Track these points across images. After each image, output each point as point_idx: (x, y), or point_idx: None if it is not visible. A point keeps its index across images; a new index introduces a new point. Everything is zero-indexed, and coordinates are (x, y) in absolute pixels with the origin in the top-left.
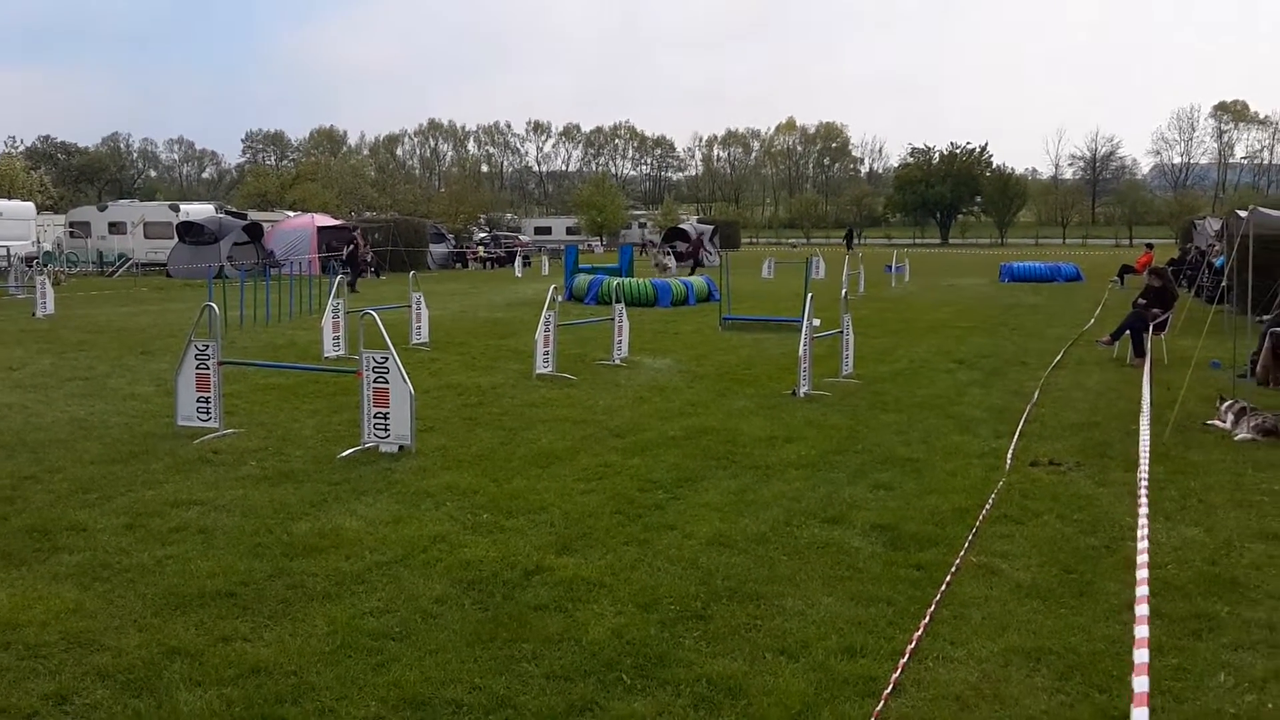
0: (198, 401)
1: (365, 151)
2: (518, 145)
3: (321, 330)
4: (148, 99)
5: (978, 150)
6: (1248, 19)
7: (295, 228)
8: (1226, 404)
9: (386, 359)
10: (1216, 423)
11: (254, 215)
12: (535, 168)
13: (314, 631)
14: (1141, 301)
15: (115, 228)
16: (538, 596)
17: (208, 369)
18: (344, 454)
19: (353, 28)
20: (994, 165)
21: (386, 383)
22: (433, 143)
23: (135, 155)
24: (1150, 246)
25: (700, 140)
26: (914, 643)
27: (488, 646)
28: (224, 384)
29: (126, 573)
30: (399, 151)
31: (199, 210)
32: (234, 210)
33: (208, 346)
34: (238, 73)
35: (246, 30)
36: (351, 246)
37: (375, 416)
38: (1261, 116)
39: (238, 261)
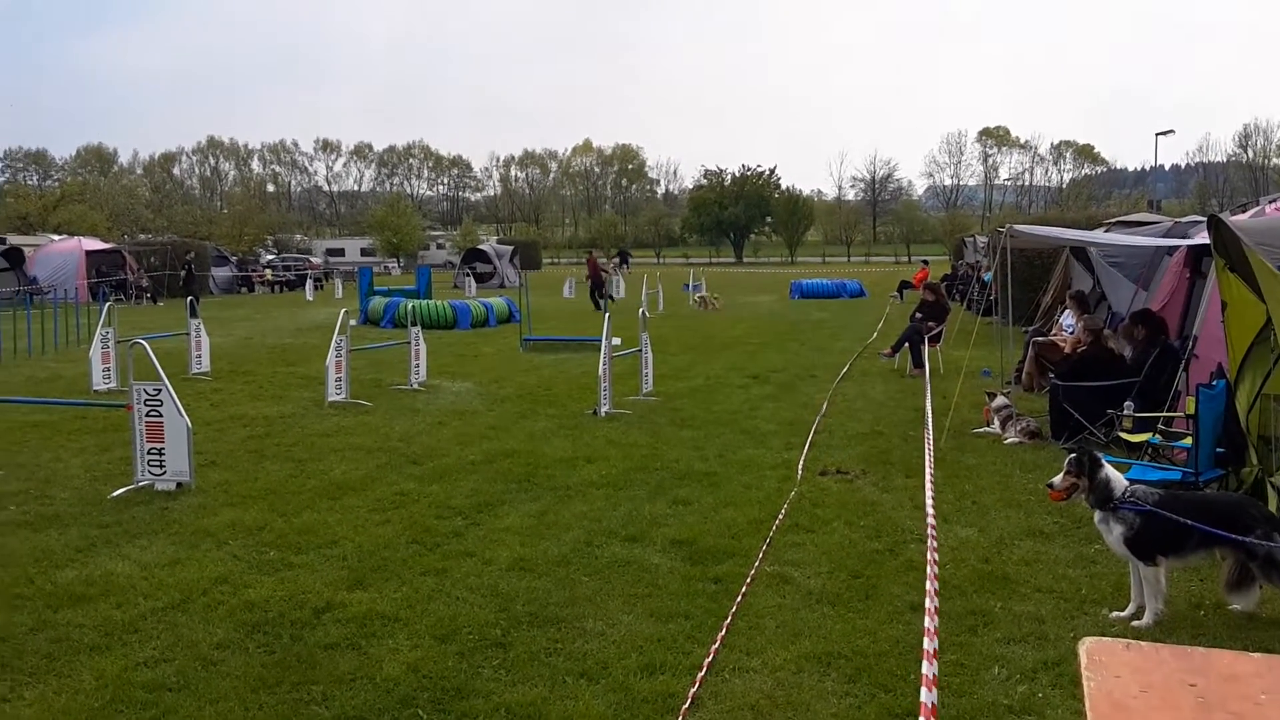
0: None
1: (139, 171)
2: (305, 164)
3: (90, 362)
4: None
5: (767, 172)
6: (1010, 49)
7: (61, 252)
8: (995, 402)
9: (159, 390)
10: (988, 429)
11: (13, 240)
12: (325, 187)
13: (81, 687)
14: (918, 315)
15: None
16: (328, 635)
17: None
18: (115, 494)
19: (123, 40)
20: (783, 187)
21: (161, 415)
22: (213, 161)
23: None
24: (926, 263)
25: (498, 160)
26: (711, 655)
27: (274, 691)
28: None
29: None
30: (176, 171)
31: None
32: None
33: None
34: None
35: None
36: (186, 270)
37: (150, 452)
38: (1022, 141)
39: None
